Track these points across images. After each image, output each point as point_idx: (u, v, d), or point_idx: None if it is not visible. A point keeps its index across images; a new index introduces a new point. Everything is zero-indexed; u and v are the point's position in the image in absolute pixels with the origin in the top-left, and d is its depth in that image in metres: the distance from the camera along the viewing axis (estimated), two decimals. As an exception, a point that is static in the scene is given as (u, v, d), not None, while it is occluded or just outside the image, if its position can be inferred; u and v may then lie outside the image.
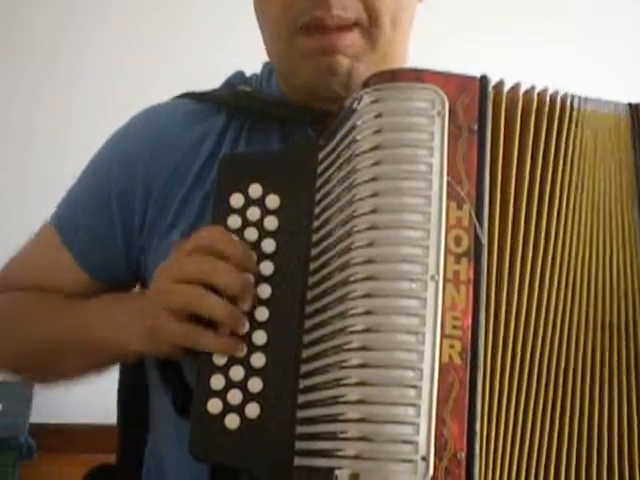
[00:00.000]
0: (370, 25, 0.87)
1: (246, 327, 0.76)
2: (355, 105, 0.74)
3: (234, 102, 0.96)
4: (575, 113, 0.76)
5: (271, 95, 0.98)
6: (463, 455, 0.65)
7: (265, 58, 0.98)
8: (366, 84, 0.74)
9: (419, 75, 0.72)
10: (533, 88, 0.76)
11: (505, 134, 0.73)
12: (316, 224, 0.78)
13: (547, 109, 0.75)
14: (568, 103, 0.77)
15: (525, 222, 0.73)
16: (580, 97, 0.78)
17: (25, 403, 1.67)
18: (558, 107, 0.76)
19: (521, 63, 2.53)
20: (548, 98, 0.76)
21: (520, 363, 0.71)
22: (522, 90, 0.76)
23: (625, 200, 0.76)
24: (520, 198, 0.73)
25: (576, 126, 0.76)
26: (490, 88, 0.73)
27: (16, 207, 2.65)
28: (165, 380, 0.86)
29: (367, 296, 0.69)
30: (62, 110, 2.71)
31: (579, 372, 0.73)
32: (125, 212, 0.95)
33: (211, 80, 1.02)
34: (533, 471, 0.70)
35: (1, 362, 1.03)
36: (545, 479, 0.71)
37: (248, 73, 1.03)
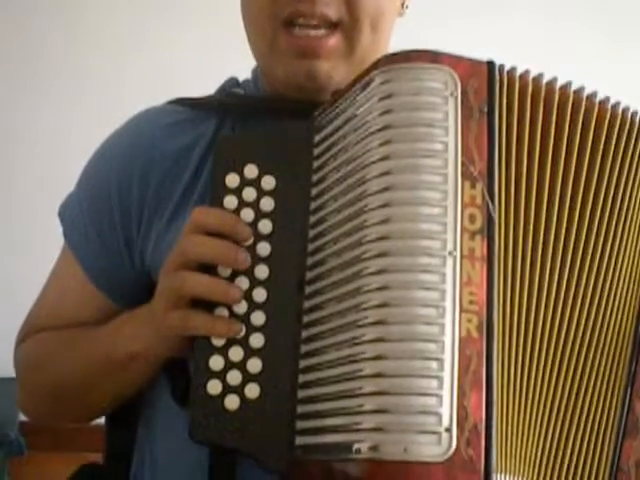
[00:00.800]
0: (351, 27, 0.88)
1: (241, 303, 0.77)
2: (366, 86, 0.75)
3: (227, 104, 0.97)
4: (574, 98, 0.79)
5: (260, 94, 0.99)
6: (482, 426, 0.67)
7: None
8: (375, 66, 0.75)
9: (434, 57, 0.74)
10: (528, 72, 0.78)
11: (510, 116, 0.75)
12: (313, 205, 0.79)
13: (557, 97, 0.78)
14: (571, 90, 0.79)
15: (536, 200, 0.75)
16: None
17: (14, 399, 1.65)
18: (557, 92, 0.78)
19: (521, 46, 2.54)
20: (556, 85, 0.79)
21: (533, 336, 0.73)
22: (518, 73, 0.78)
23: None
24: (531, 176, 0.75)
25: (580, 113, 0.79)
26: (497, 72, 0.76)
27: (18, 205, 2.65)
28: (167, 370, 0.87)
29: (383, 271, 0.70)
30: (66, 111, 2.70)
31: (593, 344, 0.75)
32: (124, 217, 0.95)
33: (212, 82, 1.03)
34: (549, 439, 0.73)
35: (37, 408, 1.04)
36: (565, 447, 0.73)
37: (244, 76, 1.03)
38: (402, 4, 0.97)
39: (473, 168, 0.72)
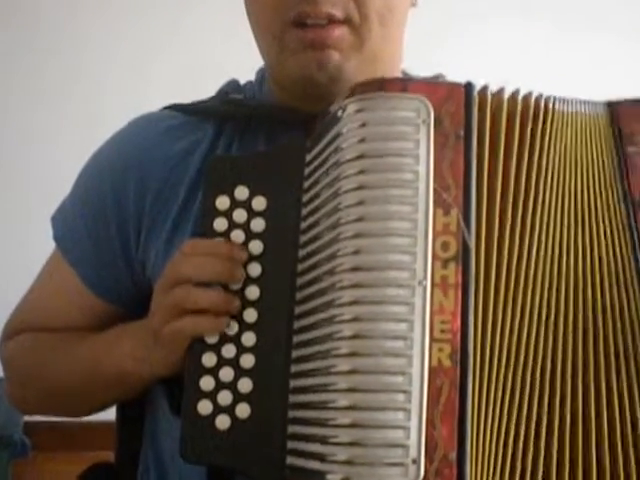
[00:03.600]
0: (359, 23, 0.88)
1: (232, 324, 0.78)
2: (340, 113, 0.75)
3: (224, 111, 0.96)
4: (557, 115, 0.78)
5: (261, 100, 0.99)
6: (454, 456, 0.67)
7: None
8: (351, 93, 0.75)
9: (405, 85, 0.73)
10: (518, 92, 0.77)
11: (490, 139, 0.75)
12: (303, 226, 0.79)
13: (532, 112, 0.77)
14: (550, 105, 0.78)
15: (511, 225, 0.74)
16: (562, 98, 0.79)
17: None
18: (542, 110, 0.77)
19: (530, 52, 2.53)
20: (533, 102, 0.77)
21: (508, 364, 0.72)
22: (506, 94, 0.77)
23: (609, 193, 0.78)
24: (506, 201, 0.74)
25: (559, 128, 0.78)
26: (475, 94, 0.75)
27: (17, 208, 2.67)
28: (164, 382, 0.88)
29: (354, 303, 0.70)
30: (60, 108, 2.71)
31: (568, 371, 0.74)
32: (121, 226, 0.95)
33: (211, 80, 1.03)
34: (527, 470, 0.72)
35: (26, 403, 1.06)
36: (534, 478, 0.72)
37: (247, 77, 1.03)
38: None
39: (447, 195, 0.71)
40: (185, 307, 0.78)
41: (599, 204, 0.77)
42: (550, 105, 0.78)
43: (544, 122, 0.77)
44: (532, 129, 0.77)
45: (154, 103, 1.03)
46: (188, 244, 0.81)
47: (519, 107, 0.76)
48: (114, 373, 0.89)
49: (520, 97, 0.77)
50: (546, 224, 0.75)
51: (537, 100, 0.78)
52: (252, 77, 1.04)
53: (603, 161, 0.78)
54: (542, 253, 0.75)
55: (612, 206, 0.77)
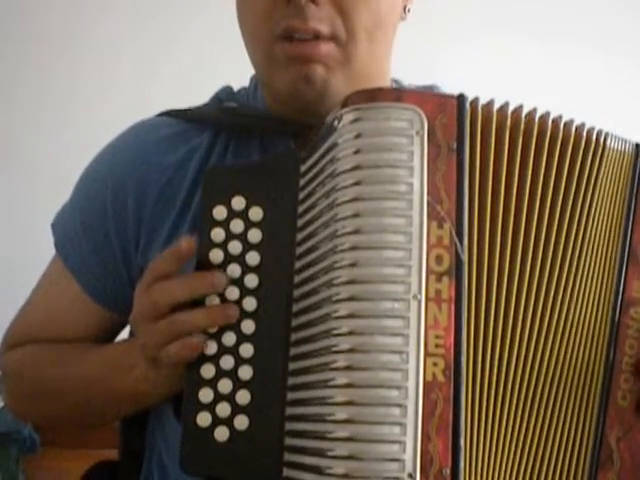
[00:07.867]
0: (346, 40, 0.88)
1: (229, 335, 0.78)
2: (335, 123, 0.75)
3: (219, 119, 0.97)
4: (593, 144, 0.78)
5: (255, 109, 0.99)
6: (448, 471, 0.67)
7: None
8: (346, 103, 0.75)
9: (399, 95, 0.73)
10: (507, 104, 0.77)
11: (481, 152, 0.74)
12: (300, 237, 0.79)
13: (536, 129, 0.77)
14: (550, 125, 0.78)
15: (502, 240, 0.74)
16: (590, 126, 0.79)
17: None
18: (545, 129, 0.77)
19: (520, 66, 2.54)
20: (525, 117, 0.77)
21: (498, 377, 0.73)
22: (496, 106, 0.77)
23: (614, 233, 0.79)
24: (507, 215, 0.74)
25: (589, 154, 0.78)
26: (467, 106, 0.74)
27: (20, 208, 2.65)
28: None
29: (350, 316, 0.70)
30: (63, 108, 2.71)
31: (562, 385, 0.75)
32: (121, 234, 0.96)
33: (215, 83, 1.03)
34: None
35: (27, 414, 1.07)
36: None
37: (242, 83, 1.04)
38: (404, 8, 0.96)
39: (440, 208, 0.71)
40: (175, 334, 0.77)
41: (608, 235, 0.79)
42: (553, 125, 0.78)
43: (550, 141, 0.77)
44: (536, 146, 0.76)
45: (159, 104, 1.04)
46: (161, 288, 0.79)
47: (508, 121, 0.76)
48: (131, 394, 0.88)
49: (510, 111, 0.77)
50: (534, 238, 0.76)
51: (541, 118, 0.78)
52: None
53: (618, 191, 0.79)
54: (534, 267, 0.75)
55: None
